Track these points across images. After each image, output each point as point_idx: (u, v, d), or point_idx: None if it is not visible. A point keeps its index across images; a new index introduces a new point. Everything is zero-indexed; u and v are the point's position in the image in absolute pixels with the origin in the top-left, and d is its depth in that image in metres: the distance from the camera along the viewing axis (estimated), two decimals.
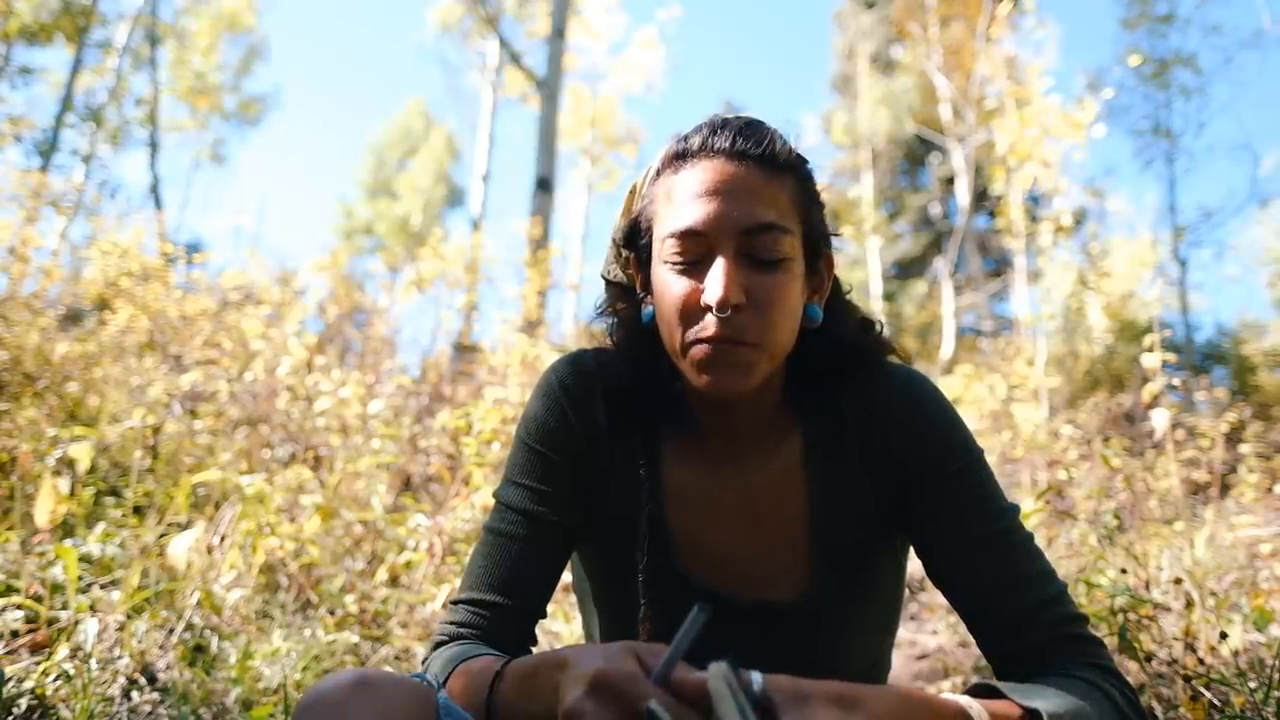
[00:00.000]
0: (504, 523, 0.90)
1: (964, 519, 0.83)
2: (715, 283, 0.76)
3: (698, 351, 0.79)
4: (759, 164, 0.80)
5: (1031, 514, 2.31)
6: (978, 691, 0.68)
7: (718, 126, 0.83)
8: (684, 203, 0.80)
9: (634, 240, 0.90)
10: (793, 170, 0.83)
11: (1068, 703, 0.67)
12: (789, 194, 0.81)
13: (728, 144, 0.81)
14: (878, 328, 0.94)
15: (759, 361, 0.79)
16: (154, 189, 12.79)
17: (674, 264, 0.81)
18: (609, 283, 0.99)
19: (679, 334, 0.80)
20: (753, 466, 0.91)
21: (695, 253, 0.79)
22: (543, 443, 0.91)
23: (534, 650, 0.88)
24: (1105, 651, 0.78)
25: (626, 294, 0.96)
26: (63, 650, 1.48)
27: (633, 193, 0.94)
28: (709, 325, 0.77)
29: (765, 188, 0.80)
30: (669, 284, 0.81)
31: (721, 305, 0.75)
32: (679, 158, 0.84)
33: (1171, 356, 2.48)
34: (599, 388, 0.92)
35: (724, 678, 0.48)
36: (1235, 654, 1.57)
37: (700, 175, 0.80)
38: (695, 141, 0.83)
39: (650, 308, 0.88)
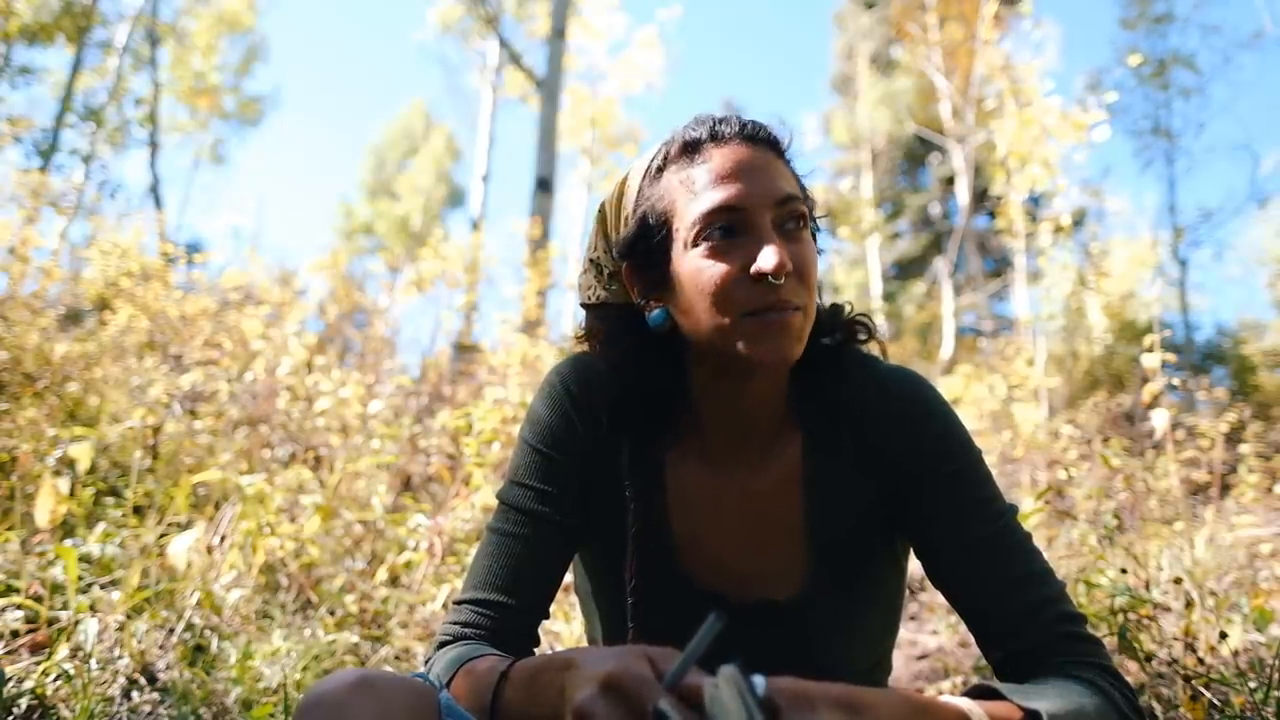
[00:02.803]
0: (507, 523, 0.90)
1: (962, 519, 0.83)
2: (770, 253, 0.78)
3: (754, 323, 0.79)
4: (769, 145, 0.85)
5: (1031, 514, 2.31)
6: (977, 693, 0.68)
7: (718, 118, 0.86)
8: (712, 185, 0.82)
9: (642, 242, 0.87)
10: (787, 156, 0.88)
11: (1067, 703, 0.67)
12: (792, 173, 0.87)
13: (737, 129, 0.84)
14: (867, 317, 0.95)
15: (803, 326, 0.81)
16: (154, 189, 12.79)
17: (710, 244, 0.81)
18: (590, 306, 0.96)
19: (728, 310, 0.80)
20: (754, 469, 0.91)
21: (733, 229, 0.81)
22: (547, 444, 0.91)
23: (537, 651, 0.88)
24: (1104, 651, 0.78)
25: (612, 312, 0.94)
26: (63, 650, 1.48)
27: (603, 213, 0.94)
28: (762, 294, 0.79)
29: (779, 165, 0.85)
30: (706, 265, 0.81)
31: (778, 272, 0.77)
32: (690, 149, 0.85)
33: (1171, 356, 2.47)
34: (602, 390, 0.92)
35: (733, 680, 0.48)
36: (1235, 654, 1.57)
37: (721, 159, 0.83)
38: (703, 132, 0.85)
39: (658, 310, 0.87)
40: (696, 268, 0.81)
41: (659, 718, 0.49)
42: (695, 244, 0.82)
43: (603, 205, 0.95)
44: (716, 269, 0.80)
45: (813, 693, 0.55)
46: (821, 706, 0.55)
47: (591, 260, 0.95)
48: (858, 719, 0.56)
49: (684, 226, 0.83)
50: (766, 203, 0.80)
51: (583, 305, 0.98)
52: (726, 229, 0.80)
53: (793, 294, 0.79)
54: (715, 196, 0.81)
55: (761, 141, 0.84)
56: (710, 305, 0.81)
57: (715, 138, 0.84)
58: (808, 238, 0.84)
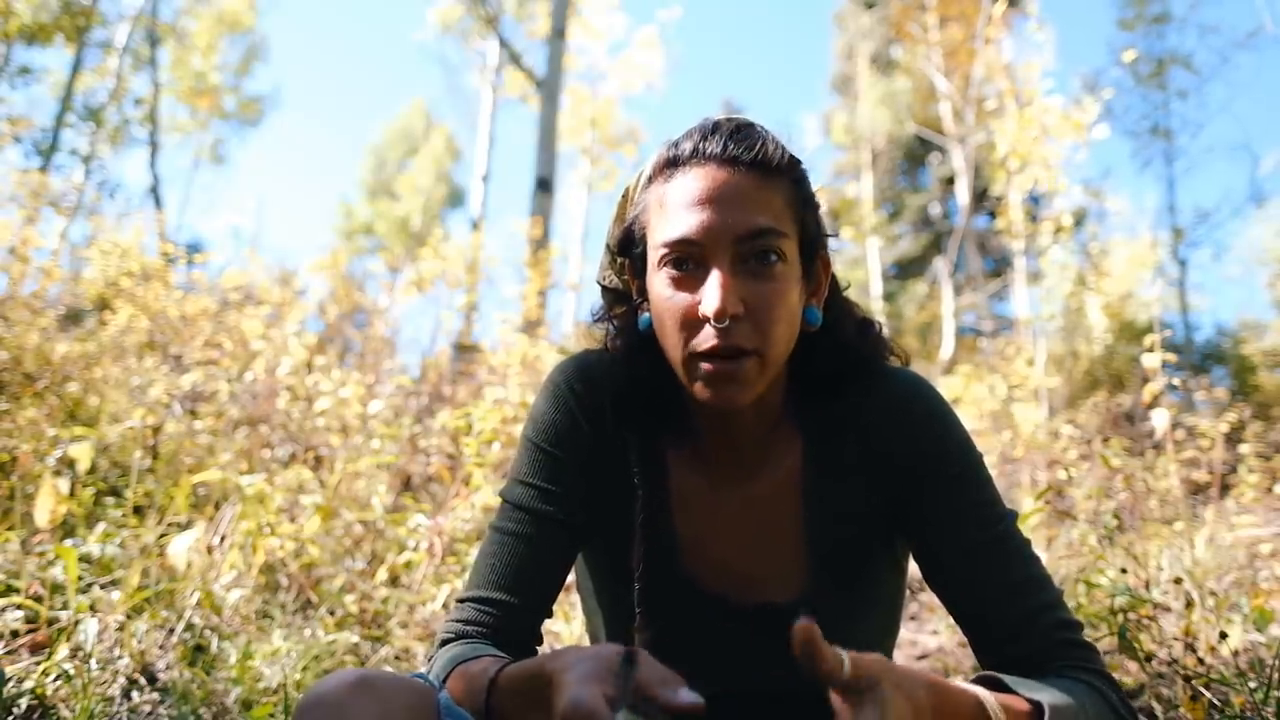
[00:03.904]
0: (510, 522, 0.89)
1: (962, 523, 0.83)
2: (712, 294, 0.75)
3: (698, 365, 0.78)
4: (751, 169, 0.79)
5: (1031, 514, 2.31)
6: (981, 683, 0.68)
7: (708, 131, 0.82)
8: (677, 212, 0.79)
9: (629, 248, 0.89)
10: (786, 173, 0.82)
11: (1069, 699, 0.67)
12: (783, 197, 0.81)
13: (719, 149, 0.80)
14: (877, 327, 0.94)
15: (758, 371, 0.79)
16: (154, 189, 12.79)
17: (669, 274, 0.80)
18: (605, 289, 0.98)
19: (679, 345, 0.80)
20: (754, 474, 0.91)
21: (690, 262, 0.79)
22: (550, 442, 0.91)
23: (539, 650, 0.88)
24: (1099, 658, 0.78)
25: (623, 299, 0.95)
26: (63, 650, 1.48)
27: (625, 198, 0.94)
28: (708, 336, 0.77)
29: (758, 193, 0.79)
30: (665, 295, 0.80)
31: (719, 316, 0.75)
32: (670, 165, 0.83)
33: (1171, 356, 2.47)
34: (605, 390, 0.92)
35: None
36: (1235, 654, 1.57)
37: (692, 183, 0.79)
38: (686, 148, 0.82)
39: (647, 314, 0.87)
40: (658, 294, 0.81)
41: None
42: (660, 268, 0.81)
43: (626, 188, 0.93)
44: (672, 301, 0.79)
45: (877, 667, 0.55)
46: (885, 675, 0.55)
47: (607, 245, 0.95)
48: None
49: (653, 247, 0.83)
50: (727, 237, 0.77)
51: (598, 284, 0.99)
52: (682, 261, 0.79)
53: (743, 337, 0.76)
54: (675, 227, 0.79)
55: (744, 164, 0.79)
56: (667, 336, 0.81)
57: (695, 155, 0.81)
58: (778, 273, 0.78)
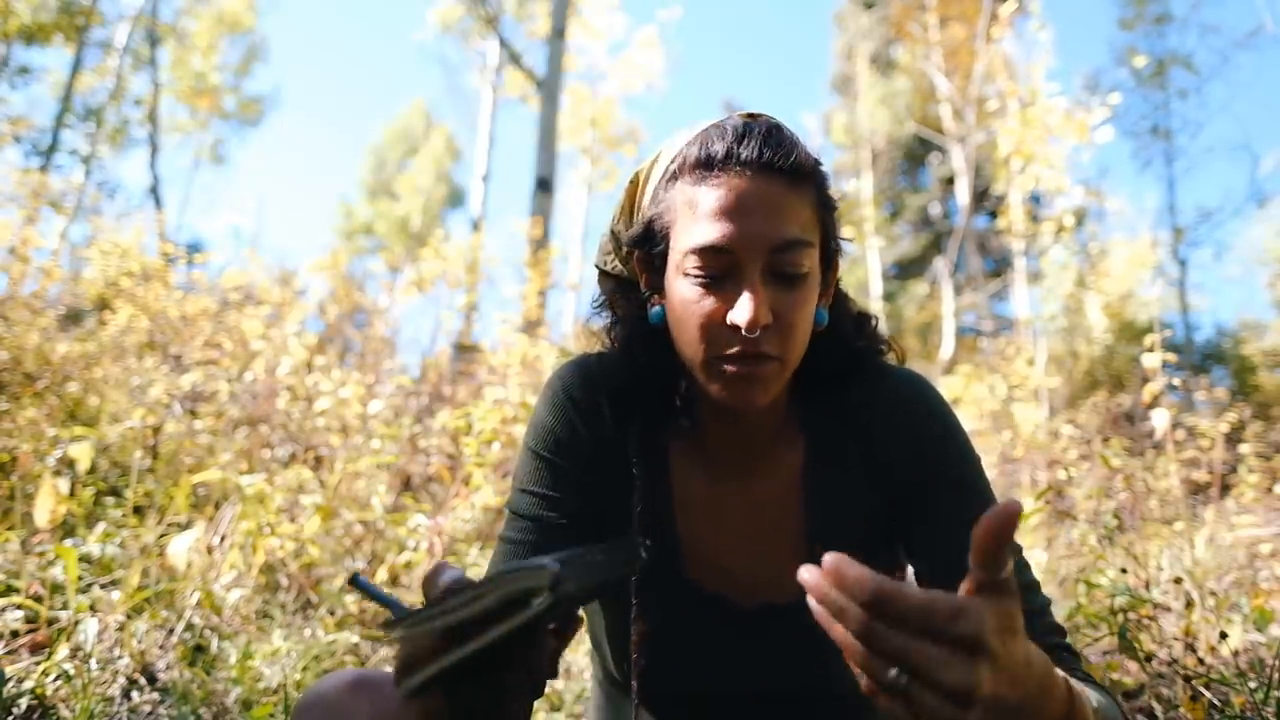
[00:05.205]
0: (515, 530, 0.90)
1: (958, 527, 0.83)
2: (745, 305, 0.75)
3: (721, 367, 0.78)
4: (784, 176, 0.78)
5: (1031, 514, 2.31)
6: None
7: (742, 135, 0.79)
8: (709, 218, 0.78)
9: (646, 243, 0.87)
10: (813, 178, 0.81)
11: (1102, 697, 0.67)
12: (810, 205, 0.80)
13: (754, 155, 0.78)
14: (873, 322, 0.94)
15: (777, 374, 0.79)
16: (154, 189, 12.80)
17: (697, 278, 0.79)
18: (604, 274, 0.97)
19: (701, 349, 0.79)
20: (757, 474, 0.91)
21: (720, 269, 0.78)
22: (551, 450, 0.91)
23: None
24: (1081, 666, 0.78)
25: (625, 288, 0.95)
26: (63, 650, 1.48)
27: (634, 184, 0.91)
28: (735, 344, 0.77)
29: (790, 201, 0.78)
30: (690, 298, 0.79)
31: (751, 327, 0.74)
32: (703, 167, 0.80)
33: (1171, 356, 2.47)
34: (605, 394, 0.92)
35: None
36: (1235, 654, 1.57)
37: (726, 190, 0.78)
38: (719, 150, 0.79)
39: (658, 308, 0.87)
40: (682, 298, 0.80)
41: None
42: (685, 273, 0.80)
43: (636, 174, 0.91)
44: (698, 307, 0.78)
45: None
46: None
47: (613, 231, 0.94)
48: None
49: (678, 249, 0.81)
50: (760, 247, 0.76)
51: (597, 267, 0.98)
52: (713, 268, 0.78)
53: (769, 345, 0.77)
54: (707, 233, 0.77)
55: (777, 171, 0.77)
56: (687, 339, 0.81)
57: (729, 159, 0.78)
58: (803, 282, 0.79)
